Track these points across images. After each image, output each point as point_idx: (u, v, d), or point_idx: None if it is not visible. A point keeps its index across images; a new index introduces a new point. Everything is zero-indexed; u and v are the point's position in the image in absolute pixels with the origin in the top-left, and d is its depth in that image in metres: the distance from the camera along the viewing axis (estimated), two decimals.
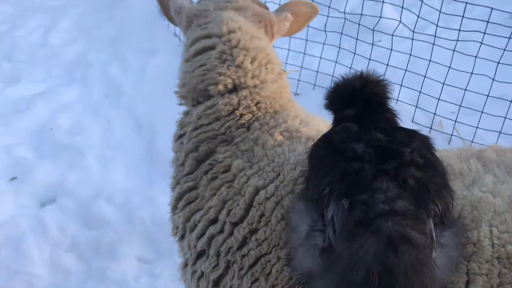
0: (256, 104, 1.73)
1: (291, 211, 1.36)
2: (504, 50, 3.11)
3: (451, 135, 3.48)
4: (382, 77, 1.47)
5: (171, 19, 2.08)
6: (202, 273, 1.65)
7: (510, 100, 3.22)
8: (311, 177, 1.35)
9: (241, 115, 1.70)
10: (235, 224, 1.56)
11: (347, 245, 1.12)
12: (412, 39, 3.51)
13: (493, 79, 3.19)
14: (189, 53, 1.86)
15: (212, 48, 1.80)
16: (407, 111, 3.65)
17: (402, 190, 1.19)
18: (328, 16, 3.80)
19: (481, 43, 3.15)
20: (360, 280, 1.07)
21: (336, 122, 1.47)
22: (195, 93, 1.80)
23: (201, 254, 1.66)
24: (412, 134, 1.35)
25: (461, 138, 3.44)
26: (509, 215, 1.27)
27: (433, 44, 3.41)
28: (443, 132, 3.55)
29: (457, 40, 3.26)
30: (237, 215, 1.55)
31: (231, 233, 1.56)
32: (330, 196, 1.23)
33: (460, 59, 3.33)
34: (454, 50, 3.30)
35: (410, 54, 3.49)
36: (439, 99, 3.44)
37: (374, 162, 1.25)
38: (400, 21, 3.57)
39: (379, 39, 4.23)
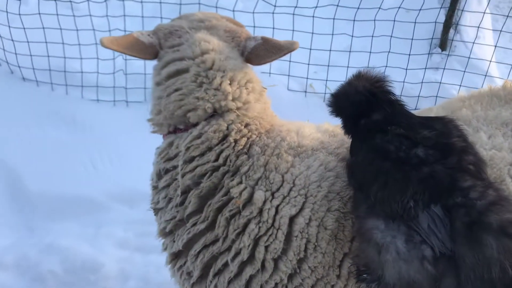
0: (246, 127, 1.64)
1: (370, 231, 1.33)
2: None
3: (324, 93, 3.76)
4: (379, 73, 1.51)
5: (145, 52, 1.74)
6: None
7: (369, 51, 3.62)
8: (382, 194, 1.32)
9: (236, 141, 1.61)
10: (277, 259, 1.50)
11: (469, 248, 1.16)
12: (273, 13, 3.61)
13: (352, 36, 3.52)
14: (161, 76, 1.69)
15: (185, 71, 1.65)
16: (281, 81, 3.80)
17: (478, 180, 1.28)
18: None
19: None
20: (498, 276, 1.14)
21: (364, 128, 1.45)
22: (173, 120, 1.66)
23: None
24: (444, 121, 1.43)
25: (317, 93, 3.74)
26: None
27: (293, 14, 3.56)
28: (316, 93, 3.82)
29: (316, 7, 3.46)
30: (278, 250, 1.50)
31: (276, 269, 1.50)
32: (416, 207, 1.25)
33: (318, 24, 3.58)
34: (313, 16, 3.51)
35: (273, 28, 3.59)
36: (308, 64, 3.66)
37: (440, 161, 1.29)
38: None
39: None
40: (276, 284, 1.51)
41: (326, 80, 3.70)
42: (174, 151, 1.65)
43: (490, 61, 3.65)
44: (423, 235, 1.24)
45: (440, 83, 3.67)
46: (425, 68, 3.66)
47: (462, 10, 3.81)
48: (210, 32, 1.74)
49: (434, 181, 1.28)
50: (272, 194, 1.54)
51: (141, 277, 3.01)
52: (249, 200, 1.54)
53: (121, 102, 3.90)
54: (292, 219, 1.51)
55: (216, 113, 1.63)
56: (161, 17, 3.62)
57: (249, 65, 1.76)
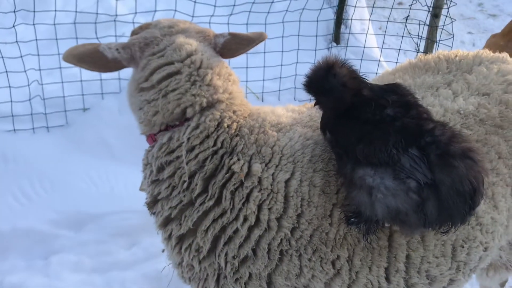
0: (234, 113, 1.85)
1: (361, 178, 1.62)
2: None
3: (262, 92, 4.06)
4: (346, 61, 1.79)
5: (104, 66, 1.83)
6: (250, 275, 1.79)
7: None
8: (368, 148, 1.60)
9: (228, 126, 1.82)
10: (280, 218, 1.74)
11: (445, 173, 1.51)
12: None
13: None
14: (152, 81, 1.83)
15: (177, 73, 1.81)
16: None
17: (435, 123, 1.64)
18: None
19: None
20: (469, 189, 1.51)
21: (346, 112, 1.69)
22: (171, 117, 1.82)
23: (245, 260, 1.78)
24: (396, 85, 1.78)
25: (254, 93, 4.04)
26: None
27: (209, 22, 3.78)
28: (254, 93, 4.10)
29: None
30: (280, 210, 1.74)
31: (279, 226, 1.74)
32: (398, 153, 1.57)
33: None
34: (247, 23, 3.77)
35: None
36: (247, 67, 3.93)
37: (405, 115, 1.64)
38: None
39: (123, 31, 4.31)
40: (281, 239, 1.74)
41: (246, 81, 3.99)
42: (176, 144, 1.80)
43: (382, 48, 4.23)
44: (408, 172, 1.55)
45: None
46: None
47: (347, 6, 4.36)
48: (184, 35, 1.90)
49: (406, 130, 1.60)
50: (266, 165, 1.78)
51: None
52: (249, 173, 1.77)
53: (41, 129, 3.79)
54: (286, 183, 1.76)
55: (207, 106, 1.82)
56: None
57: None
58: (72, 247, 3.20)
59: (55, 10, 3.51)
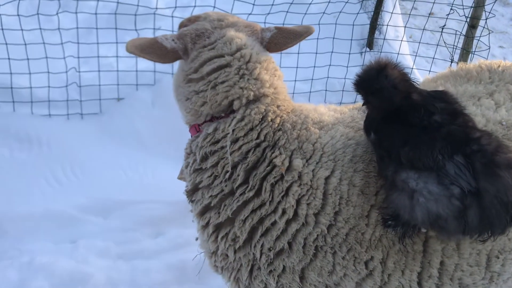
0: (278, 108, 1.88)
1: (404, 181, 1.63)
2: None
3: (293, 93, 4.05)
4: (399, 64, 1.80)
5: (165, 56, 1.88)
6: (284, 268, 1.81)
7: None
8: (413, 152, 1.62)
9: (272, 120, 1.85)
10: (317, 214, 1.77)
11: (490, 182, 1.52)
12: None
13: None
14: (201, 73, 1.88)
15: (227, 65, 1.85)
16: None
17: (482, 132, 1.64)
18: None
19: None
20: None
21: (394, 113, 1.71)
22: (218, 108, 1.86)
23: (280, 252, 1.80)
24: (443, 92, 1.79)
25: None
26: None
27: None
28: None
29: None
30: (318, 206, 1.76)
31: (316, 222, 1.76)
32: (443, 159, 1.58)
33: None
34: None
35: None
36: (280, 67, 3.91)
37: (452, 122, 1.65)
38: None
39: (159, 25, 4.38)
40: (318, 235, 1.77)
41: None
42: (221, 134, 1.84)
43: (416, 55, 4.21)
44: (452, 179, 1.56)
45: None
46: (362, 65, 4.13)
47: (383, 12, 4.36)
48: (234, 29, 1.94)
49: (452, 137, 1.61)
50: (307, 161, 1.81)
51: (129, 282, 3.04)
52: (290, 167, 1.79)
53: (75, 116, 3.87)
54: (326, 180, 1.79)
55: (254, 99, 1.85)
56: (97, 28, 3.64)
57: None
58: (100, 232, 3.26)
59: (97, 0, 3.58)
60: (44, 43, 3.61)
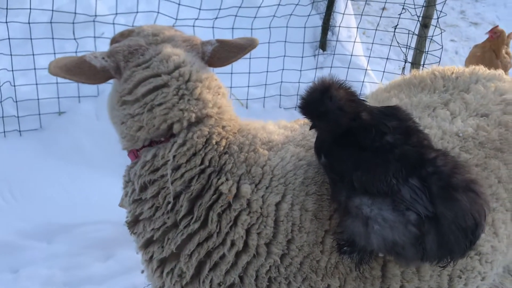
0: (223, 128, 1.75)
1: (357, 207, 1.52)
2: None
3: (246, 99, 3.94)
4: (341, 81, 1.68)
5: (94, 76, 1.69)
6: None
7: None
8: (366, 176, 1.51)
9: (217, 143, 1.71)
10: (269, 244, 1.64)
11: (447, 206, 1.42)
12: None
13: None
14: (136, 94, 1.71)
15: (164, 86, 1.69)
16: None
17: (435, 151, 1.54)
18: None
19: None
20: (471, 224, 1.43)
21: (342, 136, 1.59)
22: (156, 133, 1.70)
23: (231, 287, 1.68)
24: (395, 108, 1.67)
25: (238, 99, 3.92)
26: None
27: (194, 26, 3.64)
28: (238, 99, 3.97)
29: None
30: (269, 235, 1.64)
31: (268, 252, 1.64)
32: (397, 183, 1.47)
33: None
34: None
35: None
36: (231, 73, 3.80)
37: (405, 142, 1.54)
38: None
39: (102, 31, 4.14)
40: (270, 266, 1.64)
41: (231, 87, 3.86)
42: (161, 161, 1.69)
43: (369, 56, 4.15)
44: (408, 204, 1.46)
45: None
46: (316, 68, 4.04)
47: (334, 13, 4.28)
48: (171, 44, 1.78)
49: (406, 159, 1.50)
50: (256, 186, 1.68)
51: None
52: (237, 194, 1.66)
53: (12, 133, 3.59)
54: (277, 206, 1.66)
55: (195, 121, 1.71)
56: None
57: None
58: (43, 259, 3.02)
59: (30, 8, 3.32)
60: None
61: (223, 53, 1.83)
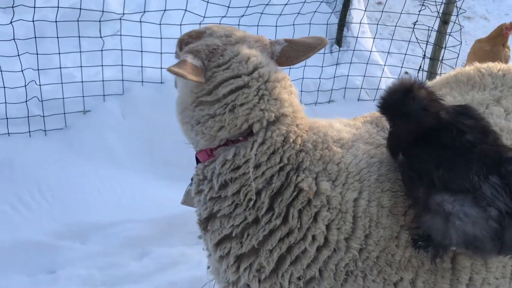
0: (297, 127, 1.78)
1: (439, 204, 1.58)
2: None
3: None
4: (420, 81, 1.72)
5: (199, 76, 1.71)
6: None
7: None
8: (448, 174, 1.58)
9: (294, 141, 1.75)
10: (348, 239, 1.70)
11: None
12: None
13: None
14: (216, 95, 1.74)
15: (244, 86, 1.73)
16: None
17: (510, 149, 1.62)
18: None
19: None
20: None
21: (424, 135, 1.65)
22: (237, 132, 1.74)
23: (310, 280, 1.73)
24: (466, 107, 1.74)
25: None
26: None
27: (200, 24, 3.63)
28: None
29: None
30: (348, 230, 1.70)
31: (347, 247, 1.70)
32: (479, 180, 1.54)
33: None
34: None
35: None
36: None
37: (483, 141, 1.61)
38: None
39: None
40: (349, 260, 1.70)
41: None
42: (242, 160, 1.72)
43: (388, 52, 4.22)
44: (489, 201, 1.53)
45: (348, 76, 4.13)
46: (336, 64, 4.09)
47: (350, 9, 4.33)
48: (245, 45, 1.80)
49: (486, 157, 1.58)
50: (333, 183, 1.73)
51: None
52: (317, 191, 1.71)
53: (37, 132, 3.56)
54: (355, 202, 1.71)
55: (274, 120, 1.74)
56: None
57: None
58: (79, 259, 3.02)
59: (58, 7, 3.28)
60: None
61: (292, 52, 1.85)
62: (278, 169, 1.72)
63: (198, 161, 1.93)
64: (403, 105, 1.63)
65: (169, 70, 1.61)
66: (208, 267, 2.06)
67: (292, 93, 1.83)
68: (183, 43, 1.89)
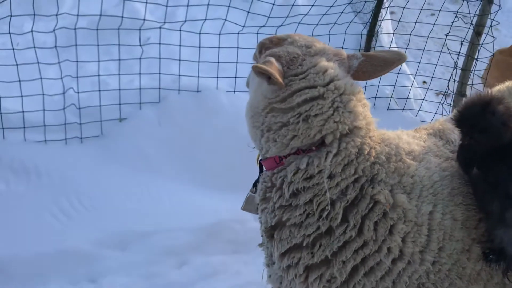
0: (370, 139, 1.79)
1: None
2: None
3: None
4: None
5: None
6: None
7: None
8: None
9: (368, 153, 1.76)
10: (423, 251, 1.71)
11: None
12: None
13: None
14: (290, 103, 1.73)
15: (319, 97, 1.73)
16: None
17: None
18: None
19: None
20: None
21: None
22: (309, 142, 1.74)
23: None
24: None
25: None
26: None
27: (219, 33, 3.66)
28: None
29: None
30: (423, 243, 1.71)
31: (422, 259, 1.71)
32: None
33: None
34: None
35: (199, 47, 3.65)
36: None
37: None
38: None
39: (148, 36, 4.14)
40: (422, 273, 1.71)
41: None
42: (316, 170, 1.73)
43: (420, 62, 4.24)
44: None
45: (378, 85, 4.15)
46: None
47: (382, 20, 4.36)
48: (324, 57, 1.80)
49: None
50: (408, 195, 1.73)
51: None
52: (394, 204, 1.71)
53: (73, 140, 3.56)
54: (430, 215, 1.72)
55: (347, 132, 1.75)
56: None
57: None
58: (121, 268, 3.02)
59: (100, 15, 3.30)
60: (38, 62, 3.28)
61: (369, 67, 1.86)
62: (353, 180, 1.72)
63: (261, 167, 1.94)
64: (482, 119, 1.64)
65: (255, 66, 1.62)
66: (269, 276, 2.06)
67: (365, 105, 1.83)
68: (264, 47, 1.89)
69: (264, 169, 1.90)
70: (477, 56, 3.89)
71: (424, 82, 4.73)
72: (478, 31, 3.72)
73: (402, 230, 1.70)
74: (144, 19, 3.52)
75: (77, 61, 3.39)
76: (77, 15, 3.21)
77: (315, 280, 1.78)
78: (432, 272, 1.71)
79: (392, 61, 1.88)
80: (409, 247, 1.70)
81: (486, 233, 1.73)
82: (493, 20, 3.70)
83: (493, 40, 3.68)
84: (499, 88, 2.34)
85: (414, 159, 1.82)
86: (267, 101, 1.78)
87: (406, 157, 1.81)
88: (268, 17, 3.46)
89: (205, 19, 3.43)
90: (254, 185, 2.02)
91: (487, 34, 3.75)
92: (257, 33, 3.48)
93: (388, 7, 4.55)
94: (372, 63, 1.87)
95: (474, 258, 1.73)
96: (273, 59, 1.73)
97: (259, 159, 1.96)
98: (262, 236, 1.94)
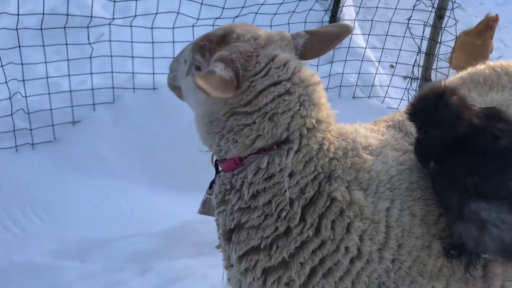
0: (329, 133, 1.70)
1: (474, 212, 1.53)
2: None
3: None
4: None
5: (226, 91, 1.57)
6: None
7: None
8: (484, 181, 1.53)
9: (327, 148, 1.67)
10: (381, 249, 1.64)
11: None
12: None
13: None
14: (256, 105, 1.62)
15: (286, 93, 1.61)
16: None
17: None
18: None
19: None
20: None
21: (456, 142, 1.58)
22: (273, 140, 1.63)
23: None
24: (496, 110, 1.68)
25: None
26: None
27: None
28: None
29: None
30: (381, 240, 1.64)
31: (381, 258, 1.64)
32: None
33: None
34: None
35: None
36: None
37: None
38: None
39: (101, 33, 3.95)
40: (382, 272, 1.65)
41: None
42: (276, 169, 1.63)
43: (383, 48, 4.17)
44: None
45: (343, 73, 4.07)
46: (331, 62, 4.02)
47: (343, 7, 4.26)
48: (269, 45, 1.67)
49: None
50: (365, 192, 1.66)
51: None
52: (350, 201, 1.64)
53: (24, 146, 3.38)
54: (387, 212, 1.65)
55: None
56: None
57: None
58: (81, 279, 2.88)
59: (43, 14, 3.11)
60: None
61: (316, 44, 1.74)
62: (312, 178, 1.64)
63: (217, 169, 1.82)
64: (435, 112, 1.56)
65: (195, 83, 1.48)
66: (229, 279, 1.97)
67: (325, 96, 1.72)
68: (206, 49, 1.71)
69: (222, 170, 1.78)
70: (441, 39, 3.83)
71: (392, 66, 4.67)
72: (440, 14, 3.65)
73: (359, 228, 1.63)
74: (91, 16, 3.32)
75: (22, 64, 3.19)
76: (17, 14, 3.01)
77: (273, 283, 1.70)
78: (392, 271, 1.64)
79: (338, 34, 1.76)
80: (367, 245, 1.63)
81: (447, 228, 1.66)
82: (454, 2, 3.64)
83: (455, 23, 3.62)
84: (461, 75, 2.27)
85: (371, 153, 1.74)
86: (229, 106, 1.65)
87: (363, 151, 1.72)
88: (223, 8, 3.32)
89: (157, 13, 3.27)
90: (211, 186, 1.90)
91: (449, 17, 3.69)
92: (212, 25, 3.33)
93: None
94: (319, 39, 1.75)
95: (435, 255, 1.66)
96: (216, 68, 1.56)
97: (214, 160, 1.84)
98: (219, 238, 1.84)
